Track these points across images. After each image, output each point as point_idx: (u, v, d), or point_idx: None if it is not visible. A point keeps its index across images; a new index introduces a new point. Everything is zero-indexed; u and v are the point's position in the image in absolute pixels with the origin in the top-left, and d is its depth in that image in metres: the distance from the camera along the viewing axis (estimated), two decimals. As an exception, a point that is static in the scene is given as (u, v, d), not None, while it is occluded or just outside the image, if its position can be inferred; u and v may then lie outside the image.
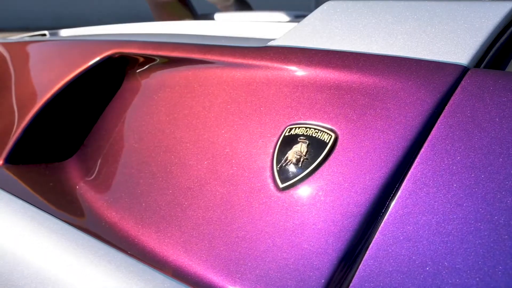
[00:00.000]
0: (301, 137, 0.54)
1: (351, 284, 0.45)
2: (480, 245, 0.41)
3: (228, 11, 1.95)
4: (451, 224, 0.43)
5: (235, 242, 0.52)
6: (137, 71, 0.85)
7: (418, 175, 0.47)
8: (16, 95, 1.01)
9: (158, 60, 0.81)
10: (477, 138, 0.46)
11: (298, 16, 1.55)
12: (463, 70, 0.51)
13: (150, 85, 0.79)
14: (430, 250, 0.43)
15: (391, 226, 0.45)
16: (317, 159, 0.52)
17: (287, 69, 0.62)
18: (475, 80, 0.50)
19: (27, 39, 1.29)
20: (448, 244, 0.42)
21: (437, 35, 0.56)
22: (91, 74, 0.89)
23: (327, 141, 0.52)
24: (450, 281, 0.41)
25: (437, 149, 0.47)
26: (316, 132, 0.54)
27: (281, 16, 1.52)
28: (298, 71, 0.61)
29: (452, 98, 0.49)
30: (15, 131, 0.92)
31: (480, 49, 0.53)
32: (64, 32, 1.35)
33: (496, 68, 0.54)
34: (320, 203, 0.49)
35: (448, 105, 0.49)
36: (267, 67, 0.64)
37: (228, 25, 0.89)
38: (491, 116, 0.47)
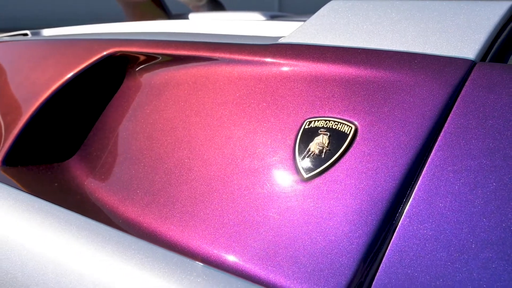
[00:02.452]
0: (322, 130, 0.57)
1: (381, 265, 0.48)
2: (503, 221, 0.45)
3: (200, 11, 1.96)
4: (473, 203, 0.47)
5: (263, 231, 0.55)
6: (140, 69, 0.86)
7: (438, 160, 0.50)
8: (8, 96, 1.01)
9: (162, 58, 0.83)
10: (490, 125, 0.50)
11: (274, 16, 1.58)
12: (471, 64, 0.55)
13: (155, 83, 0.81)
14: (454, 228, 0.47)
15: (416, 208, 0.49)
16: (339, 149, 0.55)
17: (300, 65, 0.65)
18: (483, 73, 0.54)
19: (7, 38, 1.28)
20: (472, 223, 0.46)
21: (443, 32, 0.60)
22: (90, 73, 0.90)
23: (348, 132, 0.56)
24: (475, 257, 0.45)
25: (454, 136, 0.51)
26: (336, 124, 0.57)
27: (257, 16, 1.55)
28: (311, 67, 0.64)
29: (464, 90, 0.54)
30: (12, 132, 0.92)
31: (485, 44, 0.57)
32: (47, 32, 1.34)
33: (499, 62, 0.59)
34: (346, 190, 0.53)
35: (460, 96, 0.53)
36: (280, 64, 0.67)
37: (227, 24, 0.91)
38: (501, 105, 0.51)
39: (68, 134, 0.92)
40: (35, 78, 0.96)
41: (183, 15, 1.71)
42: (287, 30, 0.81)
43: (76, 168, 0.85)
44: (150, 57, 0.85)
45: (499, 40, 0.59)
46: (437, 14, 0.63)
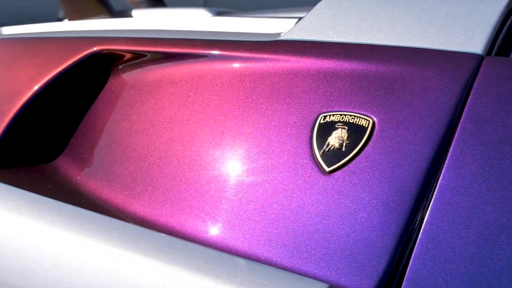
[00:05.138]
0: (339, 124, 0.59)
1: (413, 253, 0.50)
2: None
3: (139, 7, 1.92)
4: (497, 189, 0.50)
5: (292, 224, 0.55)
6: (129, 67, 0.84)
7: (460, 150, 0.53)
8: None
9: (153, 56, 0.81)
10: (505, 115, 0.53)
11: (220, 12, 1.58)
12: (479, 58, 0.58)
13: (147, 81, 0.79)
14: (482, 214, 0.49)
15: (443, 197, 0.51)
16: (359, 142, 0.57)
17: (305, 61, 0.66)
18: (493, 67, 0.57)
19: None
20: (497, 207, 0.49)
21: (446, 27, 0.63)
22: (73, 72, 0.88)
23: (366, 126, 0.57)
24: (507, 240, 0.47)
25: (472, 126, 0.53)
26: (353, 118, 0.58)
27: (203, 12, 1.55)
28: (318, 64, 0.65)
29: (476, 83, 0.56)
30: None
31: (489, 39, 0.60)
32: (6, 30, 1.28)
33: (503, 55, 0.62)
34: (371, 181, 0.54)
35: (473, 89, 0.56)
36: (285, 60, 0.67)
37: (215, 20, 0.91)
38: (512, 97, 0.54)
39: (52, 134, 0.89)
40: (11, 78, 0.92)
41: (125, 12, 1.69)
42: (276, 27, 0.81)
43: (66, 169, 0.83)
44: (139, 55, 0.84)
45: (501, 35, 0.62)
46: (437, 9, 0.66)
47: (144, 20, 0.96)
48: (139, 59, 0.84)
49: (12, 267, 0.59)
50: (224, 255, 0.50)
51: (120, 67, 0.87)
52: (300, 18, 0.79)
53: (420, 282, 0.48)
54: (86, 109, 0.88)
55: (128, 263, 0.56)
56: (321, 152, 0.58)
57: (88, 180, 0.77)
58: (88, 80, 0.88)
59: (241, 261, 0.49)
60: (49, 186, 0.79)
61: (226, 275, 0.47)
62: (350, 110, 0.60)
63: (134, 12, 1.64)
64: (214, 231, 0.59)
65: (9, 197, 0.69)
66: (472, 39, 0.60)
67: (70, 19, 1.72)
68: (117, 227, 0.61)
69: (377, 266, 0.50)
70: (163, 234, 0.55)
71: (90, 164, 0.80)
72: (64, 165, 0.85)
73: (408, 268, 0.49)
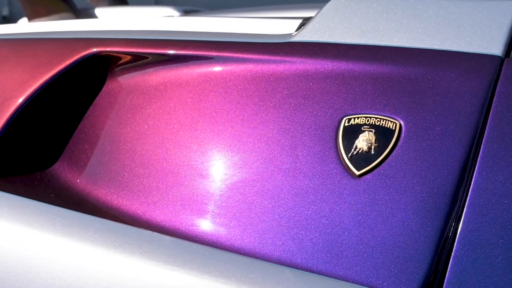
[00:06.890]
0: (365, 126, 0.59)
1: (451, 255, 0.50)
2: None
3: (100, 5, 1.88)
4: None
5: (324, 230, 0.55)
6: (129, 70, 0.82)
7: (490, 150, 0.53)
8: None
9: (156, 58, 0.79)
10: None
11: (187, 11, 1.57)
12: (500, 60, 0.59)
13: (153, 83, 0.77)
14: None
15: (477, 198, 0.52)
16: (388, 145, 0.57)
17: (323, 63, 0.65)
18: (514, 68, 0.58)
19: None
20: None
21: (462, 30, 0.64)
22: (69, 74, 0.85)
23: (394, 129, 0.57)
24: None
25: (501, 126, 0.54)
26: (378, 120, 0.58)
27: (170, 11, 1.53)
28: (336, 66, 0.65)
29: (499, 84, 0.57)
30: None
31: (507, 40, 0.61)
32: None
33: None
34: (404, 184, 0.54)
35: (497, 91, 0.57)
36: (302, 62, 0.67)
37: (215, 21, 0.89)
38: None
39: (46, 139, 0.86)
40: (5, 81, 0.88)
41: (88, 10, 1.65)
42: (278, 29, 0.80)
43: (67, 175, 0.80)
44: (140, 57, 0.82)
45: (517, 37, 0.63)
46: (452, 11, 0.66)
47: (143, 21, 0.93)
48: (139, 61, 0.82)
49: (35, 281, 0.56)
50: (267, 264, 0.49)
51: (117, 69, 0.84)
52: (305, 19, 0.78)
53: (461, 283, 0.49)
54: (82, 113, 0.85)
55: (153, 272, 0.55)
56: (349, 155, 0.58)
57: (93, 187, 0.74)
58: (84, 83, 0.86)
59: (286, 270, 0.48)
60: (52, 195, 0.76)
61: (270, 284, 0.46)
62: (375, 113, 0.60)
63: (97, 11, 1.60)
64: (247, 239, 0.58)
65: (14, 206, 0.66)
66: (491, 41, 0.61)
67: (30, 19, 1.66)
68: (138, 235, 0.59)
69: (417, 269, 0.50)
70: (193, 243, 0.54)
71: (93, 170, 0.77)
72: (63, 172, 0.82)
73: (448, 270, 0.50)
